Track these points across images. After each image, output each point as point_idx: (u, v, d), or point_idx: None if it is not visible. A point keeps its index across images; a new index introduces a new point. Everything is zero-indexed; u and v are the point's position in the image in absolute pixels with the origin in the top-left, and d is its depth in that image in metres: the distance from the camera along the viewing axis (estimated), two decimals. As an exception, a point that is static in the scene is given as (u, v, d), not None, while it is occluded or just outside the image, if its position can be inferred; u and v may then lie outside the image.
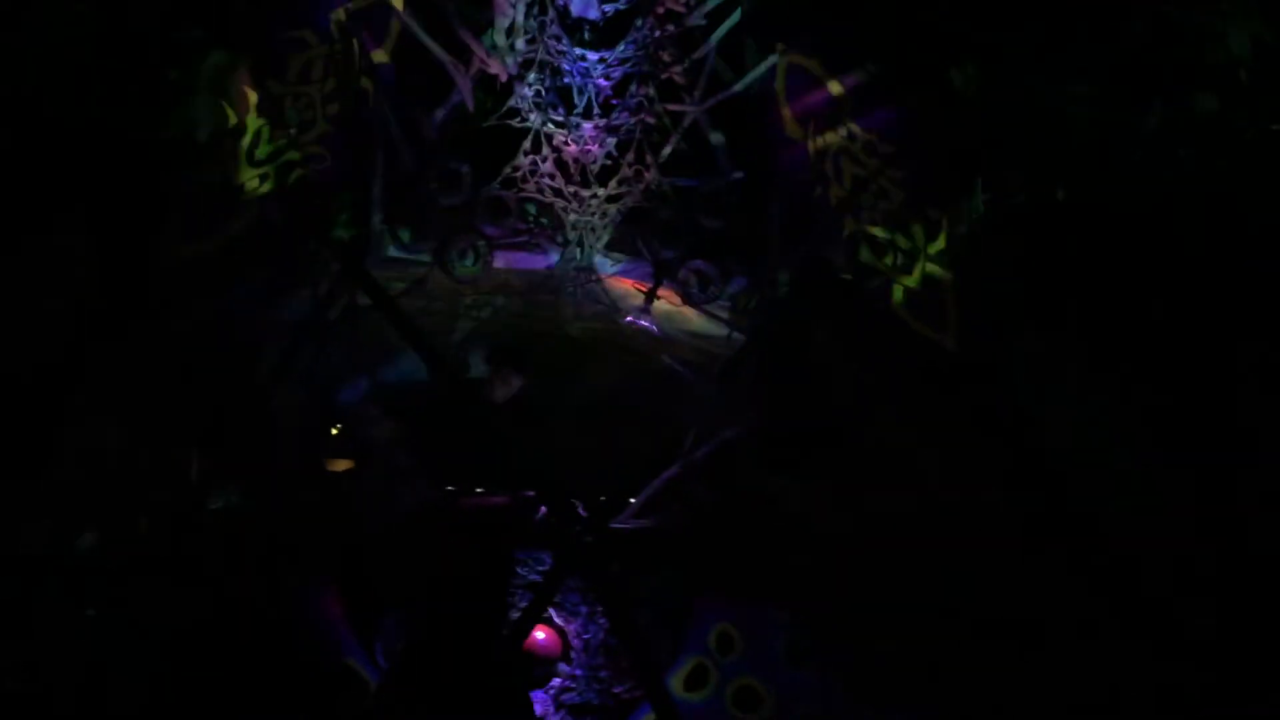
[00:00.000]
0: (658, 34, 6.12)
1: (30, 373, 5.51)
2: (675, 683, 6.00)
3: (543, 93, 6.19)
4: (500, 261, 6.55)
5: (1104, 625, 5.53)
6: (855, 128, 5.97)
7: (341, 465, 6.52)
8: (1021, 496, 5.74)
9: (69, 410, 5.68)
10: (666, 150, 6.43)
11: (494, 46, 6.14)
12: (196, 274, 5.87)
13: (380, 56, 6.15)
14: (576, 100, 6.18)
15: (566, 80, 6.15)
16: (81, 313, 5.68)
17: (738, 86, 6.24)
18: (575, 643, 6.18)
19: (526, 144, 6.36)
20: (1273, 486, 5.76)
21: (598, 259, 6.57)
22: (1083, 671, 5.53)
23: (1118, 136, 6.04)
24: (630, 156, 6.37)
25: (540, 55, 6.10)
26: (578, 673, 6.15)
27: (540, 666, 6.11)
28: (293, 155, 6.03)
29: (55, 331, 5.60)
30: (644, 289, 6.61)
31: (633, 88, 6.20)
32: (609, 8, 5.90)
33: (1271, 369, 5.88)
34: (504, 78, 6.23)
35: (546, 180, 6.40)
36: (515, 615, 5.92)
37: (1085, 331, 6.00)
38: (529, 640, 5.99)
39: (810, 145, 6.22)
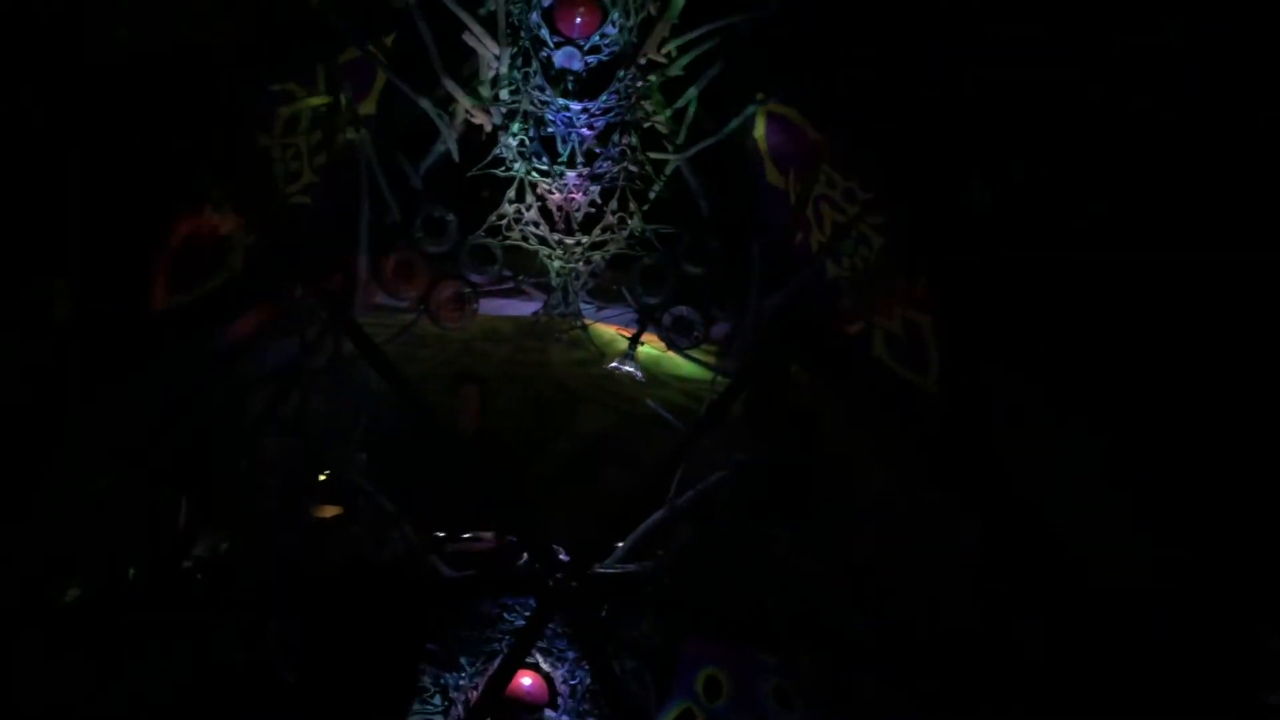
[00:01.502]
0: (640, 84, 6.20)
1: (13, 419, 5.53)
2: (662, 729, 5.96)
3: (527, 142, 6.27)
4: (486, 308, 6.63)
5: (1091, 663, 5.51)
6: (835, 174, 6.03)
7: (329, 511, 6.53)
8: (1005, 538, 5.73)
9: (53, 457, 5.70)
10: (650, 197, 6.51)
11: (477, 97, 6.24)
12: (184, 321, 5.92)
13: (367, 108, 6.26)
14: (560, 149, 6.24)
15: (550, 130, 6.20)
16: (66, 359, 5.72)
17: (718, 135, 6.31)
18: (562, 688, 6.15)
19: (511, 192, 6.44)
20: (1254, 515, 5.73)
21: (582, 305, 6.62)
22: (1071, 711, 5.51)
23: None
24: (613, 204, 6.45)
25: (524, 106, 6.18)
26: (565, 719, 6.12)
27: (527, 713, 6.08)
28: (281, 205, 6.13)
29: (39, 378, 5.63)
30: (628, 334, 6.67)
31: (615, 137, 6.27)
32: (592, 59, 5.97)
33: (1256, 396, 5.84)
34: (489, 128, 6.32)
35: (531, 228, 6.48)
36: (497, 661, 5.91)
37: (1069, 361, 5.97)
38: (514, 686, 5.97)
39: (791, 192, 6.29)
